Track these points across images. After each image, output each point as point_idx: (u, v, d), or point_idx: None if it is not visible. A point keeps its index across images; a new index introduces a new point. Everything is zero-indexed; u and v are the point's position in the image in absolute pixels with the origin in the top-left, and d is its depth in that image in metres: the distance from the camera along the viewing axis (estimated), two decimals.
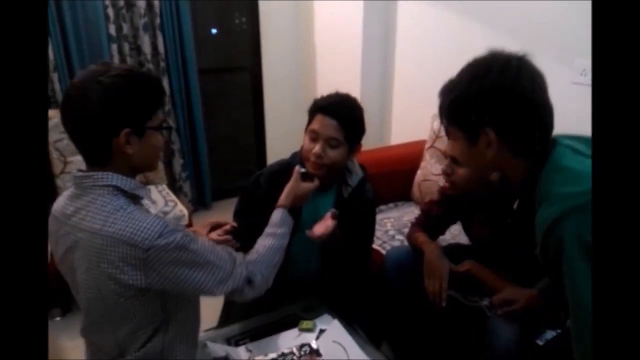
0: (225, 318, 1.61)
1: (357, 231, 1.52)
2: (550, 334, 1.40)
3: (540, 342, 1.34)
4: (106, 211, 0.95)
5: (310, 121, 1.45)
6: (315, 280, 1.58)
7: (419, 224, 1.69)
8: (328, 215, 1.38)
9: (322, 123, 1.39)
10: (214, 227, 1.34)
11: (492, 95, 0.94)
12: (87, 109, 0.93)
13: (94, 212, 0.95)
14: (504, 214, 1.45)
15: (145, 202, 1.02)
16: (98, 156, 0.98)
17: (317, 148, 1.38)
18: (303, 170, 1.38)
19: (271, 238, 1.21)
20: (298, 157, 1.52)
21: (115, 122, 0.94)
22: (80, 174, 0.99)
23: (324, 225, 1.36)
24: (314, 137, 1.40)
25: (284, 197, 1.31)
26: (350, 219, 1.45)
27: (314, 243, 1.41)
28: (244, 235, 1.31)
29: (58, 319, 2.17)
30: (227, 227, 1.33)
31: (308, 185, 1.35)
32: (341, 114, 1.39)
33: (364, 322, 1.50)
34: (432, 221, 1.68)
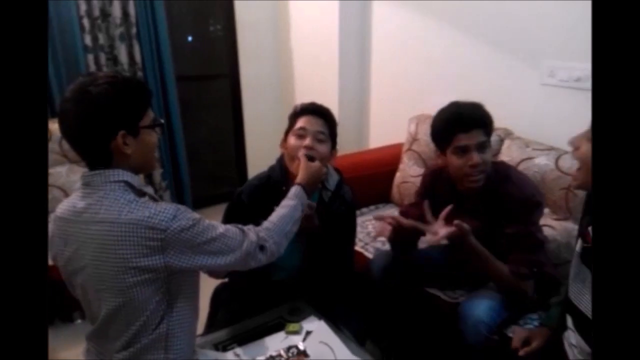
0: (211, 324, 1.62)
1: (340, 231, 1.56)
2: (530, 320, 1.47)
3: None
4: (120, 203, 1.01)
5: (292, 125, 1.51)
6: (298, 281, 1.60)
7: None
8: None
9: (309, 121, 1.49)
10: None
11: None
12: (82, 118, 0.99)
13: (108, 205, 1.01)
14: (491, 205, 1.49)
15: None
16: (100, 161, 1.04)
17: (307, 141, 1.45)
18: (307, 153, 1.44)
19: (284, 209, 1.28)
20: (277, 169, 1.56)
21: (110, 125, 1.01)
22: (90, 172, 1.04)
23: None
24: (302, 133, 1.47)
25: (299, 176, 1.38)
26: (331, 221, 1.50)
27: (298, 242, 1.44)
28: None
29: None
30: None
31: (316, 164, 1.43)
32: (325, 113, 1.51)
33: (348, 321, 1.53)
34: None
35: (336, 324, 1.47)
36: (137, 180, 1.07)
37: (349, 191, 1.61)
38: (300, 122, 1.49)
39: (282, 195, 1.36)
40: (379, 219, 1.61)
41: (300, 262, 1.58)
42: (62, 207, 1.09)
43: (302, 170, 1.40)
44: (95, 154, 1.04)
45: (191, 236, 1.03)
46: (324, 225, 1.45)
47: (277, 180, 1.52)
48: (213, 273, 1.42)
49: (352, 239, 1.70)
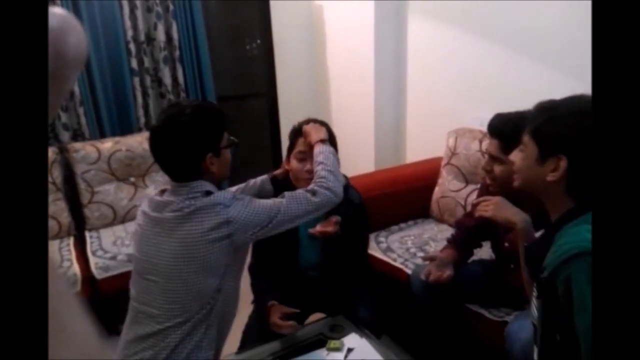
0: (245, 341, 1.60)
1: (349, 230, 1.58)
2: None
3: None
4: (196, 202, 1.19)
5: (293, 145, 1.58)
6: (322, 277, 1.67)
7: (453, 241, 1.71)
8: (333, 219, 1.50)
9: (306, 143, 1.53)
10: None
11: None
12: (177, 145, 1.17)
13: (188, 206, 1.17)
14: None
15: None
16: (190, 177, 1.21)
17: (308, 165, 1.51)
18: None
19: (318, 160, 1.39)
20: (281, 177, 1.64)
21: (201, 150, 1.20)
22: (178, 184, 1.22)
23: (324, 227, 1.50)
24: (302, 157, 1.54)
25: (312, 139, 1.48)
26: (342, 222, 1.54)
27: (314, 242, 1.58)
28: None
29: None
30: (289, 311, 1.48)
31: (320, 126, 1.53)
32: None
33: (366, 317, 1.59)
34: (466, 232, 1.70)
35: (353, 317, 1.57)
36: (215, 189, 1.25)
37: (356, 193, 1.66)
38: (299, 145, 1.55)
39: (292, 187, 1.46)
40: (429, 259, 1.66)
41: (320, 260, 1.65)
42: (145, 206, 1.26)
43: (312, 133, 1.47)
44: (187, 174, 1.21)
45: (249, 206, 1.20)
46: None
47: (284, 179, 1.62)
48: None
49: (364, 238, 1.77)
